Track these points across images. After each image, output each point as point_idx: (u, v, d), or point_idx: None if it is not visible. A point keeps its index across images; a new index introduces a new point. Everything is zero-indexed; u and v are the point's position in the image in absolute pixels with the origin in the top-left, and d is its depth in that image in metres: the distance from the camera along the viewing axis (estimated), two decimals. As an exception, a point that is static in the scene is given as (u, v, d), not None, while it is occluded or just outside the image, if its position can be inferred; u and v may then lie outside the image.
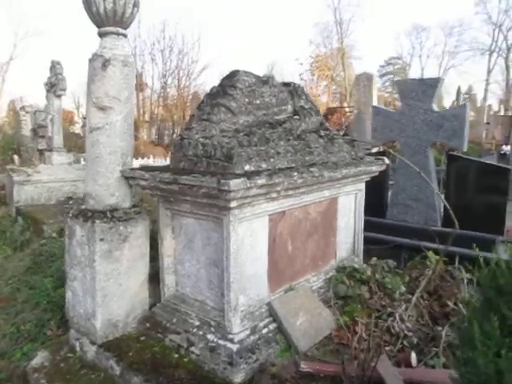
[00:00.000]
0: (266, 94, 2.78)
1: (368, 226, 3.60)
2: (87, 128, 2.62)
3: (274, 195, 2.43)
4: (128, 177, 2.61)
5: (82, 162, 9.52)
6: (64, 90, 9.52)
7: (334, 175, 2.79)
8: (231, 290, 2.37)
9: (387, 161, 3.43)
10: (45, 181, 6.74)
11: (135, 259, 2.74)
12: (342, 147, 3.09)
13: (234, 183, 2.05)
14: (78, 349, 2.75)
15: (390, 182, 4.97)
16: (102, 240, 2.55)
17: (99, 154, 2.59)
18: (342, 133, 13.53)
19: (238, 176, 2.16)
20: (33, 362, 2.76)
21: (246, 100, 2.67)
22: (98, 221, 2.55)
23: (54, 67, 9.19)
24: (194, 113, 2.62)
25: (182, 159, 2.53)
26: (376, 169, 3.30)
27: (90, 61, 2.56)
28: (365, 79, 9.41)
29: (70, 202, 6.10)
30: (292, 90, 3.02)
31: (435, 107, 4.26)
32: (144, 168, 2.65)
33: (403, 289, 3.11)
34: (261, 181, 2.19)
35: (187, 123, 2.61)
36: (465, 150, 4.21)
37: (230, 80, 2.67)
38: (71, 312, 2.83)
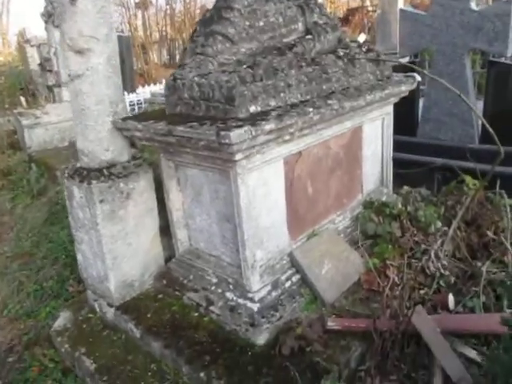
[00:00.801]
0: (270, 13, 2.31)
1: (397, 146, 3.23)
2: (68, 77, 2.27)
3: (288, 137, 2.09)
4: (121, 128, 2.30)
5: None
6: (62, 18, 8.91)
7: (356, 104, 2.39)
8: (246, 246, 2.14)
9: (418, 77, 2.96)
10: (55, 122, 6.48)
11: (142, 215, 2.53)
12: (364, 68, 2.64)
13: (236, 134, 1.72)
14: (97, 309, 2.67)
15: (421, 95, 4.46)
16: (102, 201, 2.33)
17: (84, 105, 2.27)
18: (364, 37, 12.39)
19: (241, 123, 1.82)
20: (56, 323, 2.71)
21: (247, 23, 2.22)
22: (94, 181, 2.31)
23: (48, -6, 8.47)
24: (188, 46, 2.21)
25: (178, 103, 2.18)
26: (406, 88, 2.85)
27: (56, -7, 2.14)
28: (389, -28, 8.29)
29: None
30: (302, 3, 2.52)
31: (474, 5, 3.61)
32: (137, 116, 2.32)
33: (439, 224, 2.82)
34: (269, 126, 1.85)
35: (180, 58, 2.21)
36: (509, 55, 3.62)
37: (225, 0, 2.21)
38: (84, 274, 2.72)
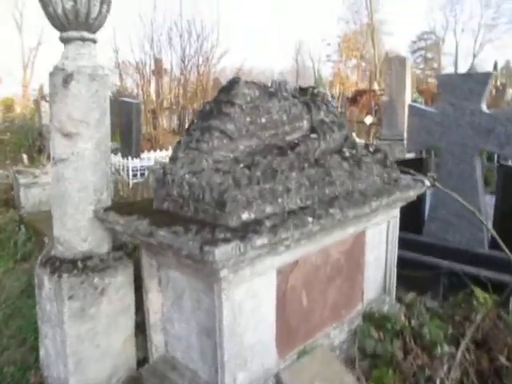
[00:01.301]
0: (274, 110, 2.19)
1: (401, 244, 3.00)
2: (51, 160, 2.11)
3: (282, 249, 1.88)
4: (102, 219, 2.11)
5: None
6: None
7: (361, 212, 2.20)
8: (226, 368, 1.85)
9: (427, 182, 2.80)
10: (53, 182, 6.37)
11: (116, 314, 2.26)
12: (371, 170, 2.49)
13: (222, 251, 1.50)
14: (52, 418, 2.32)
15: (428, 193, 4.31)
16: (71, 298, 2.07)
17: (66, 191, 2.09)
18: (371, 119, 12.64)
19: (230, 235, 1.61)
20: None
21: (248, 119, 2.10)
22: (65, 274, 2.07)
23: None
24: (182, 139, 2.07)
25: (166, 199, 2.00)
26: (414, 193, 2.69)
27: (51, 75, 2.03)
28: (397, 63, 8.54)
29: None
30: (308, 100, 2.42)
31: (485, 108, 3.55)
32: (121, 208, 2.13)
33: (445, 347, 2.52)
34: (261, 240, 1.64)
35: (173, 151, 2.06)
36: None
37: (227, 94, 2.10)
38: (45, 371, 2.40)
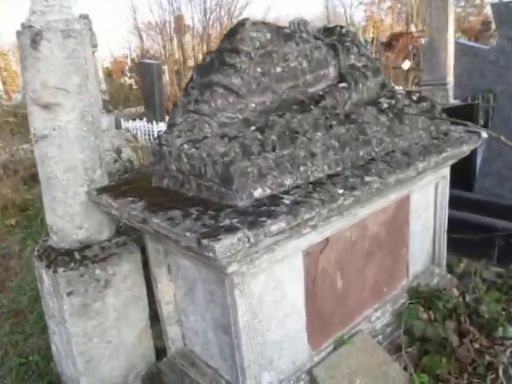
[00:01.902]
0: (291, 56, 1.77)
1: (449, 202, 2.57)
2: (32, 136, 1.81)
3: (307, 230, 1.52)
4: (96, 202, 1.81)
5: (123, 123, 8.95)
6: (95, 46, 8.76)
7: (404, 176, 1.79)
8: (247, 374, 1.56)
9: (484, 134, 2.32)
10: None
11: (126, 306, 2.01)
12: (416, 123, 2.04)
13: (224, 246, 1.16)
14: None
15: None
16: (70, 294, 1.82)
17: (52, 173, 1.79)
18: (409, 63, 11.68)
19: (237, 221, 1.27)
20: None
21: (259, 70, 1.69)
22: (61, 268, 1.81)
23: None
24: (179, 100, 1.70)
25: (165, 175, 1.66)
26: (468, 148, 2.22)
27: (18, 36, 1.68)
28: (438, -1, 7.65)
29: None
30: (335, 41, 1.97)
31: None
32: (116, 187, 1.81)
33: (509, 329, 2.13)
34: (276, 226, 1.28)
35: (170, 116, 1.71)
36: None
37: (230, 40, 1.68)
38: (59, 368, 2.23)
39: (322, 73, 1.86)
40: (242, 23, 1.71)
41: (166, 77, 11.43)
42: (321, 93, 1.83)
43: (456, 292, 2.38)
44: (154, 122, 8.08)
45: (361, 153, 1.78)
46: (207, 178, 1.46)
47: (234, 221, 1.28)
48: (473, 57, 3.21)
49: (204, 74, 1.66)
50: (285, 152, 1.53)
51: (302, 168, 1.56)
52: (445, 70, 7.85)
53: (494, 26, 14.73)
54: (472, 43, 3.67)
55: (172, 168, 1.60)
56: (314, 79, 1.84)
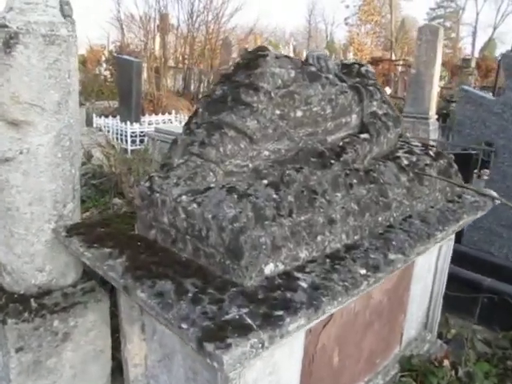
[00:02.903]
0: (315, 99, 1.53)
1: None
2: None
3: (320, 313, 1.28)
4: (64, 245, 1.49)
5: (95, 119, 8.47)
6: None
7: (424, 249, 1.59)
8: None
9: (497, 197, 2.17)
10: (40, 149, 5.72)
11: (86, 361, 1.70)
12: (434, 184, 1.85)
13: (233, 358, 0.90)
14: None
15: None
16: (20, 350, 1.50)
17: (12, 203, 1.46)
18: (389, 91, 11.75)
19: (245, 318, 1.01)
20: None
21: (277, 112, 1.44)
22: (11, 320, 1.48)
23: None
24: (179, 137, 1.42)
25: (154, 225, 1.38)
26: (481, 214, 2.06)
27: (-11, 34, 1.36)
28: (428, 33, 7.65)
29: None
30: (358, 84, 1.75)
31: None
32: (90, 228, 1.50)
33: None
34: (294, 325, 1.03)
35: (166, 154, 1.42)
36: None
37: (248, 74, 1.43)
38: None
39: (344, 120, 1.63)
40: (262, 55, 1.46)
41: (145, 75, 10.99)
42: (341, 143, 1.60)
43: (448, 364, 2.21)
44: (128, 123, 7.66)
45: (380, 218, 1.56)
46: (209, 243, 1.19)
47: (244, 312, 1.02)
48: (477, 106, 3.10)
49: (213, 110, 1.39)
50: (302, 218, 1.28)
51: (319, 238, 1.32)
52: (428, 103, 7.89)
53: (473, 64, 15.18)
54: (478, 92, 3.57)
55: (164, 220, 1.32)
56: (335, 127, 1.61)
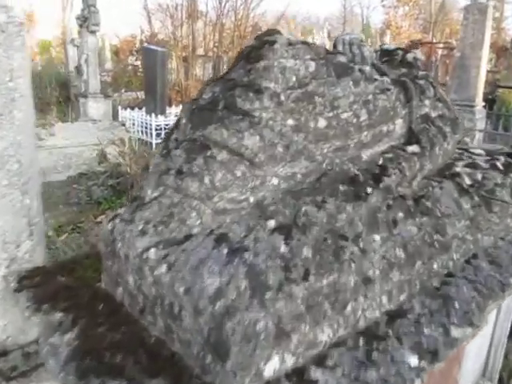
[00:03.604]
0: (344, 102, 1.10)
1: None
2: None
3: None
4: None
5: (121, 112, 8.26)
6: (97, 24, 8.06)
7: (496, 305, 1.15)
8: None
9: None
10: (60, 146, 5.51)
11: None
12: (506, 210, 1.39)
13: None
14: None
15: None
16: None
17: None
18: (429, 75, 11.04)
19: None
20: None
21: (290, 122, 1.02)
22: None
23: (86, -2, 7.67)
24: (152, 163, 1.03)
25: (119, 282, 1.01)
26: None
27: None
28: (476, 12, 6.90)
29: (82, 180, 4.84)
30: (406, 80, 1.30)
31: None
32: (44, 280, 1.15)
33: None
34: None
35: (137, 187, 1.05)
36: None
37: (249, 68, 1.01)
38: None
39: (385, 129, 1.20)
40: (269, 41, 1.04)
41: (174, 63, 10.70)
42: (381, 161, 1.17)
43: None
44: (153, 115, 7.38)
45: (435, 265, 1.12)
46: (183, 326, 0.81)
47: None
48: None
49: (198, 122, 0.99)
50: (324, 281, 0.88)
51: (348, 307, 0.91)
52: (475, 89, 7.18)
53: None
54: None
55: (129, 281, 0.94)
56: (373, 138, 1.18)
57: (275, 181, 1.02)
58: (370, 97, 1.12)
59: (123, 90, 12.60)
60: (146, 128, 7.59)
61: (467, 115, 7.20)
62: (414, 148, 1.24)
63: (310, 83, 1.02)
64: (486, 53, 7.12)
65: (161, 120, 7.52)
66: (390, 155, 1.20)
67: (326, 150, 1.11)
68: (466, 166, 1.43)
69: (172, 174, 0.94)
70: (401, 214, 1.10)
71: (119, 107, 8.29)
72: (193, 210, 0.93)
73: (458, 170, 1.39)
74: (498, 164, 1.53)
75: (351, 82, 1.07)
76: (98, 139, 4.90)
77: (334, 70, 1.05)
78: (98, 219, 4.19)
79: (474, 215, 1.28)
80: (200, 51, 12.14)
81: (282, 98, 0.98)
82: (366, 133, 1.16)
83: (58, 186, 4.76)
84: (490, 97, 10.37)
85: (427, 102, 1.34)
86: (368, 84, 1.11)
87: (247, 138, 0.95)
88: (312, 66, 1.02)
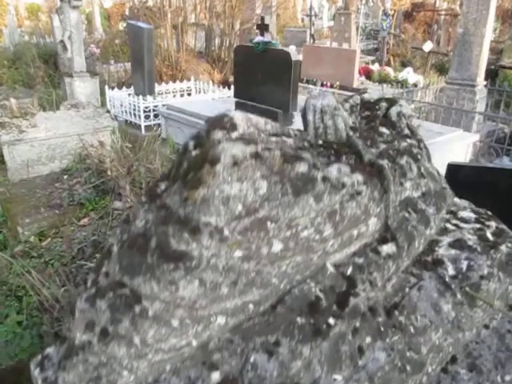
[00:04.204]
0: (304, 221, 0.93)
1: None
2: None
3: None
4: None
5: (108, 92, 7.96)
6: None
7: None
8: None
9: None
10: (43, 138, 5.30)
11: None
12: (492, 297, 1.25)
13: None
14: None
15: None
16: None
17: None
18: (430, 45, 10.53)
19: None
20: None
21: (238, 254, 0.86)
22: None
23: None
24: (78, 300, 0.88)
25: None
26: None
27: None
28: (481, -19, 6.52)
29: (65, 177, 4.67)
30: (384, 167, 1.13)
31: None
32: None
33: None
34: None
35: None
36: None
37: (185, 196, 0.84)
38: None
39: (355, 233, 1.05)
40: (209, 158, 0.86)
41: (167, 32, 10.19)
42: (349, 271, 1.03)
43: None
44: (141, 97, 7.11)
45: (407, 392, 1.00)
46: None
47: None
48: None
49: (127, 263, 0.83)
50: None
51: None
52: (476, 68, 6.87)
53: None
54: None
55: None
56: (341, 244, 1.03)
57: (221, 320, 0.88)
58: (337, 206, 0.96)
59: (112, 62, 12.17)
60: (135, 110, 7.34)
61: (467, 95, 6.95)
62: (389, 248, 1.09)
63: (260, 208, 0.86)
64: (489, 29, 6.77)
65: (149, 101, 7.26)
66: (360, 260, 1.06)
67: (284, 268, 0.97)
68: (451, 245, 1.29)
69: (97, 334, 0.80)
70: (368, 339, 0.97)
71: (106, 87, 7.98)
72: (124, 370, 0.80)
73: (441, 253, 1.25)
74: (488, 234, 1.39)
75: (312, 199, 0.91)
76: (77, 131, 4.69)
77: (292, 187, 0.89)
78: (81, 222, 4.07)
79: (455, 316, 1.15)
80: (191, 19, 11.63)
81: (226, 232, 0.83)
82: (332, 242, 1.01)
83: (41, 186, 4.59)
84: (492, 67, 10.00)
85: (408, 184, 1.18)
86: (334, 195, 0.95)
87: (183, 288, 0.80)
88: (263, 187, 0.86)
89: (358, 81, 8.31)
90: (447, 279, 1.18)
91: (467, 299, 1.18)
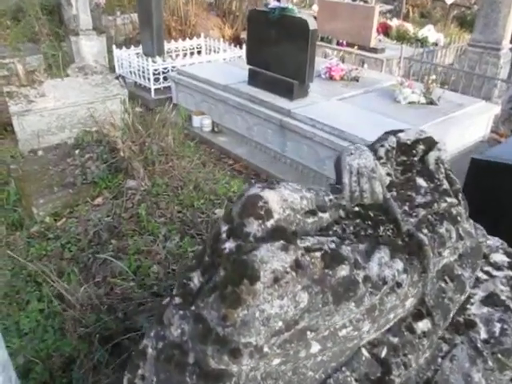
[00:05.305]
0: (343, 322, 0.91)
1: None
2: None
3: None
4: None
5: (115, 52, 7.69)
6: None
7: None
8: None
9: None
10: (52, 108, 5.20)
11: None
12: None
13: None
14: None
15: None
16: None
17: None
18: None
19: None
20: None
21: (276, 362, 0.85)
22: None
23: None
24: None
25: None
26: None
27: None
28: None
29: (76, 152, 4.61)
30: (426, 247, 1.08)
31: None
32: None
33: None
34: None
35: None
36: None
37: (225, 310, 0.82)
38: None
39: (391, 316, 1.02)
40: (248, 274, 0.82)
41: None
42: (383, 353, 1.01)
43: None
44: (150, 59, 6.86)
45: None
46: None
47: None
48: None
49: (164, 372, 0.83)
50: None
51: None
52: (503, 30, 6.49)
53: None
54: None
55: None
56: (377, 329, 1.01)
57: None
58: (376, 302, 0.93)
59: (118, 13, 11.68)
60: (143, 72, 7.12)
61: (491, 59, 6.62)
62: (424, 325, 1.07)
63: (300, 320, 0.83)
64: (519, -13, 6.31)
65: (159, 64, 7.01)
66: (395, 340, 1.04)
67: (319, 358, 0.95)
68: (483, 302, 1.26)
69: None
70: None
71: (113, 46, 7.69)
72: None
73: (473, 312, 1.23)
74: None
75: (353, 304, 0.88)
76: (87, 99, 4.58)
77: (333, 295, 0.85)
78: (95, 202, 4.08)
79: (485, 382, 1.15)
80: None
81: (266, 349, 0.81)
82: (368, 328, 0.99)
83: (53, 162, 4.54)
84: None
85: (447, 252, 1.13)
86: (375, 295, 0.91)
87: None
88: (304, 300, 0.82)
89: (375, 39, 7.93)
90: (479, 344, 1.16)
91: (498, 365, 1.17)
